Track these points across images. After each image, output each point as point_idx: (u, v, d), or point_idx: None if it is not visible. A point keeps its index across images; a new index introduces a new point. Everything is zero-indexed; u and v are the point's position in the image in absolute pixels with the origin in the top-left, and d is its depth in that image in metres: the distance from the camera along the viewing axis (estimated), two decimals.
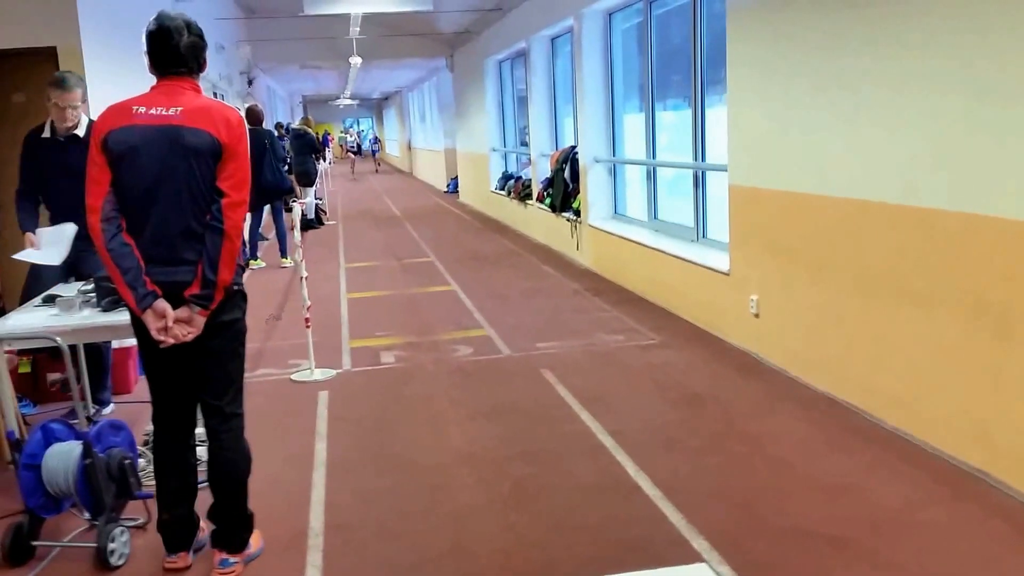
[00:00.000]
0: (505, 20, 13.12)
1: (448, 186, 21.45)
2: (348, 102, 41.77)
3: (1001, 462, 3.65)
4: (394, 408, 5.14)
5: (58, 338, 2.96)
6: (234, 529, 3.26)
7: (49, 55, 5.58)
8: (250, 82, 16.59)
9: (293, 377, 5.80)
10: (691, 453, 4.27)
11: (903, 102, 4.06)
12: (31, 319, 3.40)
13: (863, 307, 4.53)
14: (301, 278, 5.96)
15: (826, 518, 3.49)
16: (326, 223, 15.47)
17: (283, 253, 10.95)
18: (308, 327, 5.91)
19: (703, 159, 7.10)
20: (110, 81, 5.99)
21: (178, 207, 2.93)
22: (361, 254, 11.66)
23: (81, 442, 3.19)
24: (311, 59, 18.91)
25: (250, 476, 3.29)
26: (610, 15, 9.12)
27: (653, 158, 8.25)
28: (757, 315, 5.74)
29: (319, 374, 5.80)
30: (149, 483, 3.42)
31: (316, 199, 6.32)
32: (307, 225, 14.48)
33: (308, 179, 13.93)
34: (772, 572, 3.12)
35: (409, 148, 32.70)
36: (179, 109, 2.93)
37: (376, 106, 48.70)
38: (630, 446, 4.34)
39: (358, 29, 14.92)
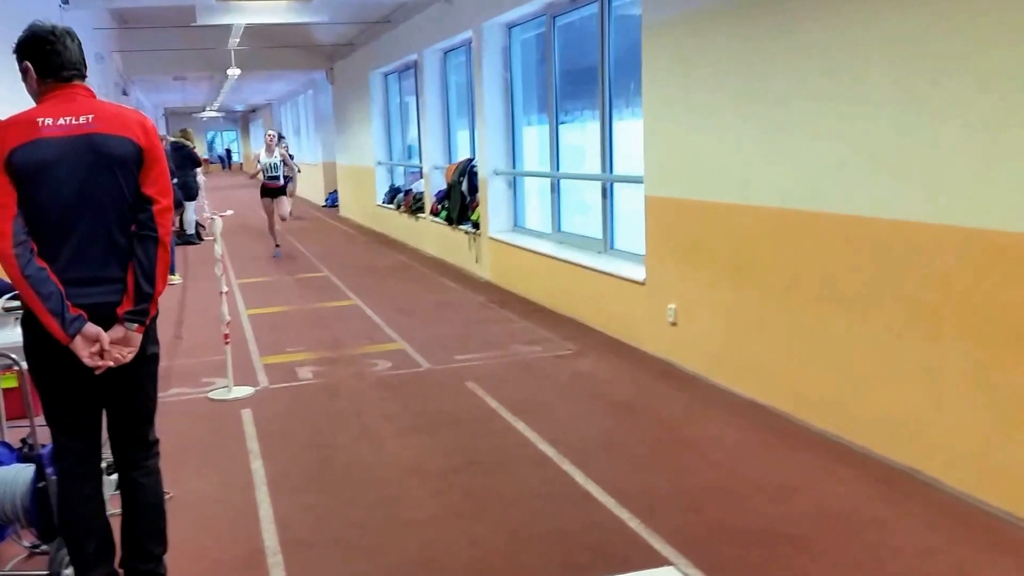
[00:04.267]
0: (393, 33, 13.04)
1: (326, 200, 21.07)
2: (213, 114, 40.48)
3: (933, 460, 3.90)
4: (326, 424, 5.00)
5: (13, 355, 2.73)
6: (160, 552, 3.05)
7: None
8: (124, 93, 15.83)
9: (211, 396, 5.56)
10: (634, 459, 4.36)
11: (834, 115, 4.29)
12: None
13: (790, 314, 4.76)
14: (220, 293, 5.72)
15: (779, 518, 3.63)
16: (205, 239, 14.86)
17: (171, 269, 10.41)
18: (227, 343, 5.67)
19: (611, 171, 7.28)
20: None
21: (103, 221, 2.71)
22: (250, 270, 11.29)
23: (31, 465, 2.95)
24: (186, 70, 18.24)
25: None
26: (510, 28, 9.23)
27: (557, 170, 8.38)
28: (675, 323, 5.92)
29: (238, 392, 5.58)
30: None
31: (218, 214, 5.97)
32: (186, 241, 13.90)
33: (190, 193, 13.38)
34: (742, 572, 3.21)
35: None
36: (91, 116, 2.71)
37: (241, 119, 47.38)
38: (573, 454, 4.38)
39: (238, 40, 14.49)
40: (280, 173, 12.49)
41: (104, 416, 2.94)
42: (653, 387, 5.52)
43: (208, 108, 35.36)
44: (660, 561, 3.31)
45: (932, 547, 3.35)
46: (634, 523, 3.62)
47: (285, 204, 12.73)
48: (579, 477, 4.11)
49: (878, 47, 3.99)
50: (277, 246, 12.59)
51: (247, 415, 5.17)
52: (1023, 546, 3.32)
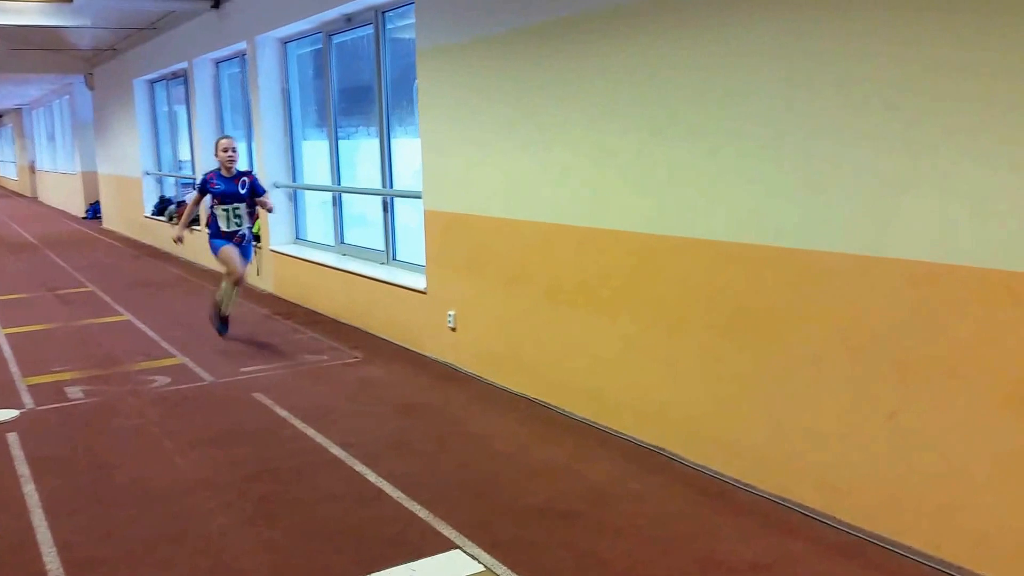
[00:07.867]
0: (160, 40, 12.55)
1: (87, 212, 19.72)
2: None
3: (674, 438, 4.46)
4: (103, 443, 4.85)
5: None
6: None
7: None
8: None
9: None
10: (422, 456, 4.61)
11: (591, 139, 4.77)
12: None
13: (554, 317, 5.20)
14: None
15: (553, 497, 4.02)
16: None
17: None
18: None
19: (391, 186, 7.51)
20: None
21: None
22: (3, 286, 10.44)
23: None
24: None
25: None
26: (286, 43, 9.22)
27: (339, 184, 8.49)
28: (454, 329, 6.25)
29: (1, 415, 5.26)
30: None
31: None
32: None
33: None
34: (520, 548, 3.55)
35: (32, 170, 29.47)
36: None
37: None
38: (364, 455, 4.57)
39: None
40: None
41: None
42: (436, 388, 5.81)
43: None
44: (448, 546, 3.58)
45: (680, 512, 3.86)
46: (423, 513, 3.87)
47: None
48: (371, 476, 4.31)
49: (625, 75, 4.50)
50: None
51: (13, 438, 4.90)
52: (751, 506, 3.90)
